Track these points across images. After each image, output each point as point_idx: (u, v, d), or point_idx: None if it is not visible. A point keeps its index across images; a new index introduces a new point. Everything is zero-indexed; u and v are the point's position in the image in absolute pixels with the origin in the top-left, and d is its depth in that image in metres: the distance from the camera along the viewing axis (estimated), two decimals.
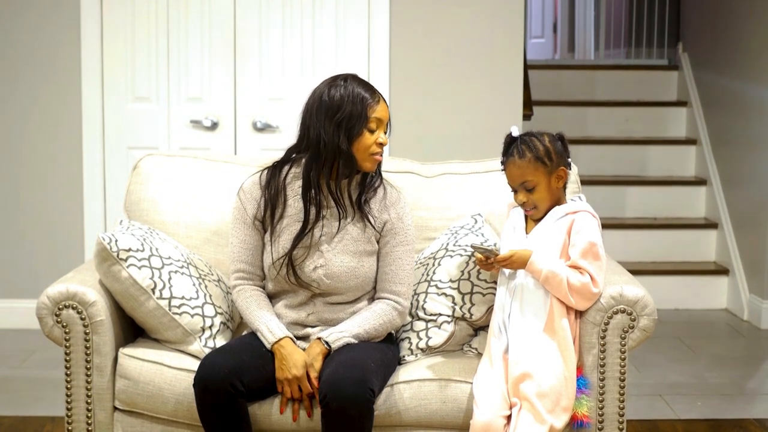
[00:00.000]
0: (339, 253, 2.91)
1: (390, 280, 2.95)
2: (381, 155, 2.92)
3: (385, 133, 2.92)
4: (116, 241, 2.91)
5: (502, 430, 2.74)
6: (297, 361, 2.78)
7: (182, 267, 3.01)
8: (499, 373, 2.80)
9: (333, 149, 2.84)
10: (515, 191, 2.85)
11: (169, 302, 2.93)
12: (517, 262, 2.78)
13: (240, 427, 2.74)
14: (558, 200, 2.86)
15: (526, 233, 2.87)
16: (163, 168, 3.40)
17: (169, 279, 2.95)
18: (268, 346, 2.83)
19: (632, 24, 7.78)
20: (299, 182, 2.93)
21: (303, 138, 2.91)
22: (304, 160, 2.90)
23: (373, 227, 2.94)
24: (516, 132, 2.86)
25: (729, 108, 6.17)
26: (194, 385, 2.72)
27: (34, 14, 5.01)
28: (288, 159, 2.97)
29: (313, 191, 2.89)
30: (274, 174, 2.96)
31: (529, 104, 5.27)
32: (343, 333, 2.85)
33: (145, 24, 4.99)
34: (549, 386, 2.73)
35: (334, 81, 2.90)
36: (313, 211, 2.89)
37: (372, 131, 2.87)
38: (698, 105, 6.71)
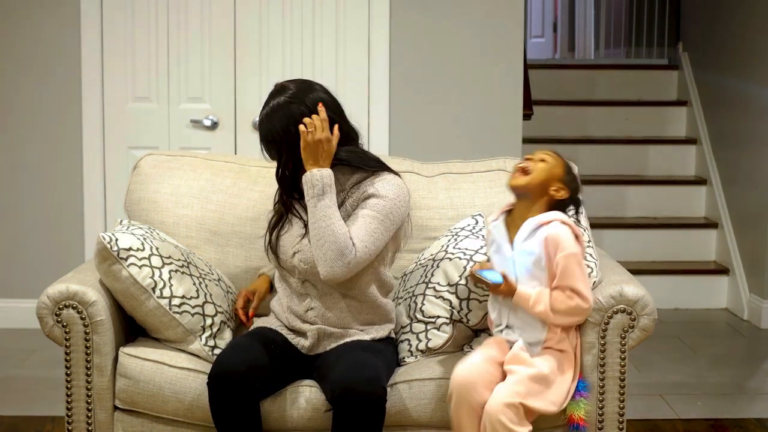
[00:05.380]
0: None
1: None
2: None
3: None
4: (116, 240, 2.91)
5: (482, 390, 2.73)
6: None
7: (182, 266, 3.01)
8: (494, 353, 2.81)
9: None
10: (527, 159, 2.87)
11: (170, 301, 2.94)
12: (505, 292, 2.79)
13: (253, 424, 2.73)
14: (534, 206, 2.83)
15: (510, 243, 2.84)
16: (163, 168, 3.40)
17: (170, 278, 2.95)
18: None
19: (632, 23, 7.78)
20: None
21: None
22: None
23: (356, 206, 2.88)
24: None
25: (729, 107, 6.17)
26: (209, 384, 2.71)
27: (34, 14, 5.01)
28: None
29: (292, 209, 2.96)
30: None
31: (529, 104, 5.26)
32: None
33: (145, 24, 4.99)
34: (543, 377, 2.75)
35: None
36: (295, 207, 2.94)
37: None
38: (698, 104, 6.71)
